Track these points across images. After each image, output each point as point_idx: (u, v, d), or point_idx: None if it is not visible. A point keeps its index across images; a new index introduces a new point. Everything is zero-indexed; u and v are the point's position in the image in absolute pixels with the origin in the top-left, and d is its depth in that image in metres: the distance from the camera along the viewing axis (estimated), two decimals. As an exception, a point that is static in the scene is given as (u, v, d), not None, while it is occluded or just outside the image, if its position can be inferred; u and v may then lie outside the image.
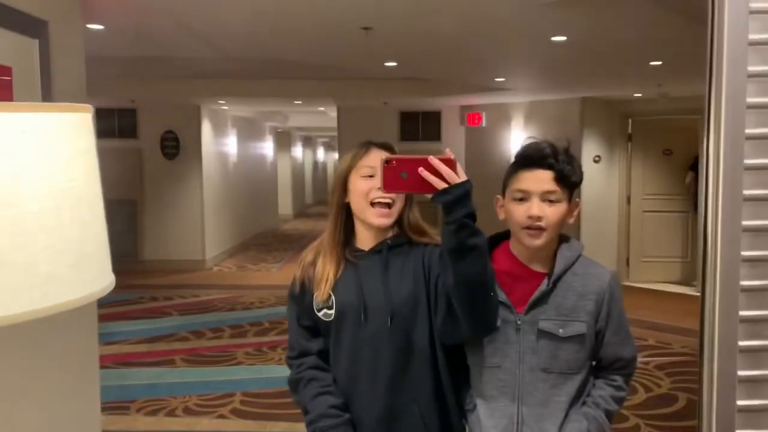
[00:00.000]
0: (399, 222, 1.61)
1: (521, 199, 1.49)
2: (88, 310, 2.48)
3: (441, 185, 1.33)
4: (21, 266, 0.91)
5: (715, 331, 0.73)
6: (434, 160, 1.34)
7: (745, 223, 0.81)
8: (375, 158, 1.55)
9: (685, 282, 7.68)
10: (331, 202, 1.65)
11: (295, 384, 1.66)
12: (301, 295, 1.65)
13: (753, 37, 0.71)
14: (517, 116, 8.70)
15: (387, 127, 9.41)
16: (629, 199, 8.16)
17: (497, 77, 6.59)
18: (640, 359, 5.11)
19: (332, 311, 1.59)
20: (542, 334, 1.48)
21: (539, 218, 1.46)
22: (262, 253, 10.83)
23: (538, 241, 1.48)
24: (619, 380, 1.57)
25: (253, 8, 3.72)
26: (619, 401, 1.56)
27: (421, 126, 9.68)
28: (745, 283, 0.74)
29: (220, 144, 10.41)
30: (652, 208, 8.03)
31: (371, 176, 1.55)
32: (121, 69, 6.23)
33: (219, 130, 10.30)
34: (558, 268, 1.50)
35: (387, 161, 1.38)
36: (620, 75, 6.17)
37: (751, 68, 0.74)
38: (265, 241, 12.34)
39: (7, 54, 2.36)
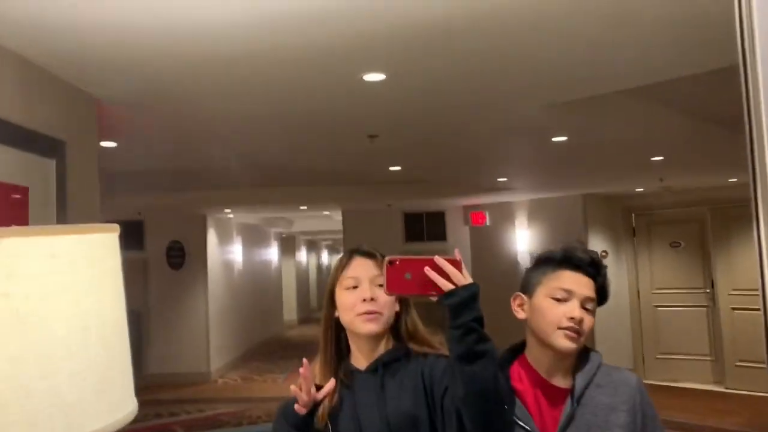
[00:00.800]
0: (396, 332, 1.51)
1: (560, 299, 1.40)
2: None
3: (448, 286, 1.27)
4: (46, 395, 0.87)
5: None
6: (440, 260, 1.28)
7: None
8: (357, 268, 1.50)
9: (705, 380, 7.41)
10: (323, 317, 1.55)
11: None
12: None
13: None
14: (521, 214, 8.78)
15: (392, 228, 9.47)
16: (639, 294, 8.06)
17: (499, 177, 6.71)
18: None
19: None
20: None
21: (581, 321, 1.38)
22: (268, 363, 10.59)
23: (574, 345, 1.38)
24: None
25: (263, 120, 3.83)
26: None
27: (426, 226, 9.74)
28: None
29: (226, 252, 10.44)
30: (664, 302, 7.89)
31: (355, 287, 1.48)
32: (130, 183, 6.35)
33: (224, 238, 10.35)
34: (579, 383, 1.40)
35: (391, 262, 1.32)
36: (621, 171, 6.27)
37: None
38: (271, 349, 12.10)
39: (24, 174, 2.40)
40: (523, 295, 1.48)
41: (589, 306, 1.42)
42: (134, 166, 5.37)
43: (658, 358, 7.84)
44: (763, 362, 6.82)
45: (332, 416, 1.46)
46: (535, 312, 1.43)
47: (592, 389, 1.40)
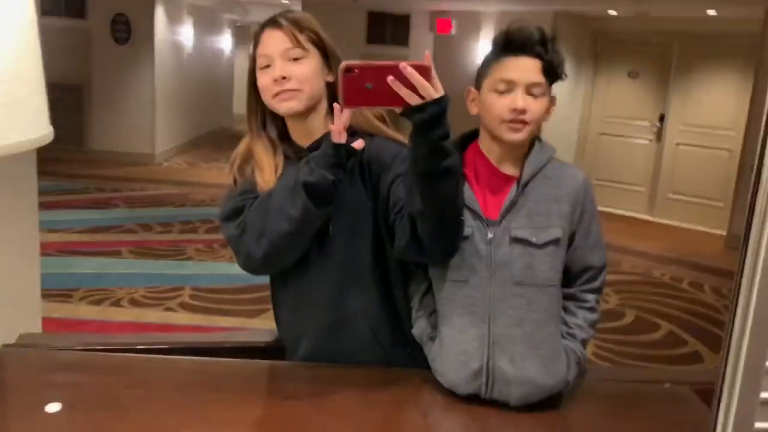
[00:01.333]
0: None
1: (503, 91, 1.33)
2: (27, 179, 2.28)
3: (414, 100, 1.15)
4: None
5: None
6: (407, 68, 1.14)
7: None
8: (267, 43, 1.35)
9: (637, 209, 7.76)
10: (248, 100, 1.44)
11: (234, 214, 1.39)
12: (242, 190, 1.42)
13: None
14: (488, 27, 8.45)
15: (354, 28, 9.03)
16: (589, 120, 8.12)
17: (473, -20, 6.30)
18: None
19: None
20: (516, 242, 1.35)
21: (524, 111, 1.32)
22: (215, 152, 10.50)
23: (520, 135, 1.34)
24: (590, 300, 1.44)
25: None
26: (593, 325, 1.45)
27: (390, 29, 9.32)
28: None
29: (174, 32, 9.82)
30: (612, 131, 7.98)
31: (268, 65, 1.35)
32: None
33: (174, 17, 9.68)
34: (527, 171, 1.38)
35: (348, 69, 1.16)
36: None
37: None
38: (219, 139, 11.95)
39: None
40: (474, 90, 1.41)
41: (536, 91, 1.34)
42: None
43: (595, 183, 8.12)
44: (696, 196, 7.19)
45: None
46: (482, 106, 1.38)
47: (539, 179, 1.39)
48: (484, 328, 1.36)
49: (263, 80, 1.36)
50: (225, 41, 13.71)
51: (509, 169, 1.40)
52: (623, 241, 6.34)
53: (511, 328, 1.36)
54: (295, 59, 1.35)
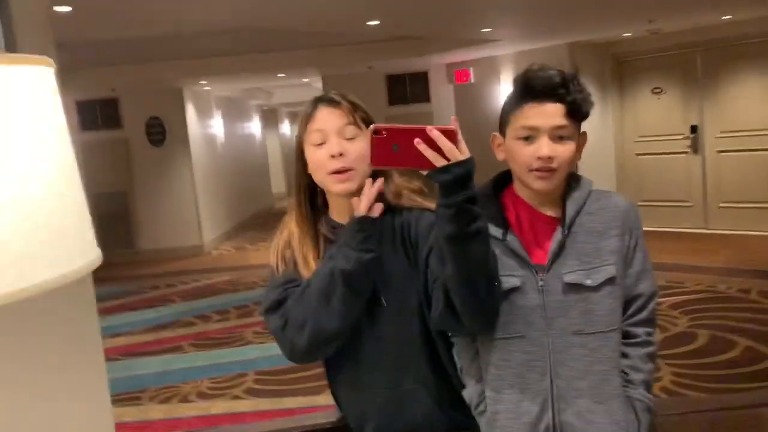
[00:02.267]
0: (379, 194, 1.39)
1: (527, 138, 1.29)
2: (85, 296, 2.36)
3: (440, 162, 1.17)
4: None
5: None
6: (433, 131, 1.17)
7: None
8: (322, 120, 1.36)
9: (690, 225, 7.54)
10: (295, 178, 1.44)
11: (276, 306, 1.39)
12: (285, 280, 1.42)
13: None
14: (506, 69, 8.53)
15: (374, 92, 9.22)
16: (623, 143, 8.02)
17: (483, 28, 6.41)
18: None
19: None
20: (570, 288, 1.29)
21: (550, 159, 1.27)
22: (260, 233, 10.70)
23: (548, 184, 1.30)
24: (641, 334, 1.35)
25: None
26: (651, 359, 1.37)
27: (409, 88, 9.49)
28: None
29: (206, 126, 10.22)
30: (647, 150, 7.86)
31: (323, 142, 1.35)
32: (97, 55, 6.04)
33: (204, 112, 10.10)
34: (569, 211, 1.33)
35: (376, 131, 1.20)
36: (610, 13, 5.98)
37: None
38: (262, 220, 12.21)
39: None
40: (499, 135, 1.38)
41: (563, 133, 1.29)
42: (98, 34, 5.06)
43: (641, 205, 7.95)
44: (747, 202, 6.96)
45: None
46: (509, 153, 1.35)
47: (583, 216, 1.34)
48: (546, 384, 1.30)
49: (317, 156, 1.35)
50: (254, 125, 14.17)
51: (550, 211, 1.36)
52: (682, 258, 6.15)
53: (575, 381, 1.29)
54: (350, 138, 1.35)
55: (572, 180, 1.38)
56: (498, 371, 1.35)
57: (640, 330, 1.36)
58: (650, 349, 1.37)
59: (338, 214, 1.42)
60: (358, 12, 5.05)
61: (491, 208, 1.35)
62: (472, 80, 8.92)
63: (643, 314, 1.36)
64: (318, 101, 1.40)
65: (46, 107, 0.90)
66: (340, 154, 1.32)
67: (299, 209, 1.44)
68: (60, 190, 0.90)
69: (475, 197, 1.20)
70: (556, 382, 1.30)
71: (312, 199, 1.44)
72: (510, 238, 1.33)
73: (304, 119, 1.40)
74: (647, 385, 1.35)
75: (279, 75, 9.45)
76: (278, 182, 16.53)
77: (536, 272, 1.31)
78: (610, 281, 1.31)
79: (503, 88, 8.47)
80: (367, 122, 1.37)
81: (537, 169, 1.29)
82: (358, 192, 1.35)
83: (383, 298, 1.37)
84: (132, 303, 6.75)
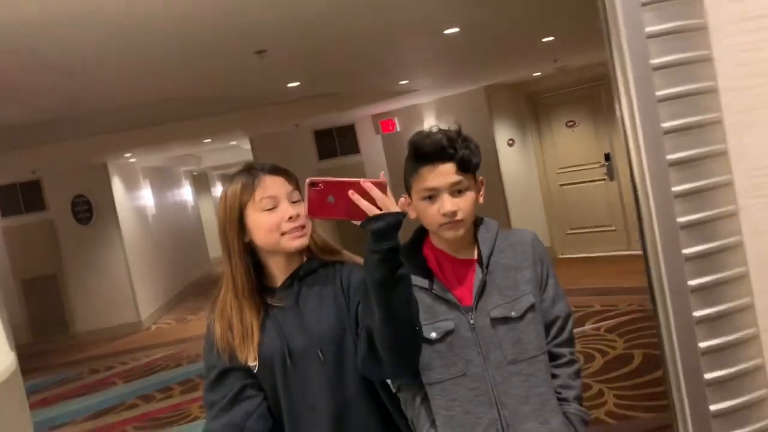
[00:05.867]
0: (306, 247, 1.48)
1: (430, 197, 1.41)
2: (13, 394, 2.27)
3: (373, 211, 1.25)
4: None
5: (662, 273, 0.69)
6: (366, 183, 1.27)
7: (675, 189, 0.76)
8: (272, 187, 1.43)
9: (617, 248, 7.85)
10: (228, 247, 1.46)
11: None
12: (225, 365, 1.47)
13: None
14: (429, 115, 8.79)
15: (303, 148, 9.31)
16: (546, 176, 8.34)
17: (401, 80, 6.63)
18: (590, 326, 5.27)
19: (256, 363, 1.44)
20: (497, 322, 1.40)
21: (454, 213, 1.39)
22: (201, 301, 10.47)
23: (459, 232, 1.41)
24: (566, 354, 1.48)
25: (142, 48, 3.58)
26: (577, 375, 1.48)
27: (338, 141, 9.62)
28: (682, 219, 0.70)
29: (135, 198, 10.04)
30: (568, 180, 8.19)
31: (273, 207, 1.42)
32: (14, 139, 5.90)
33: (131, 185, 9.93)
34: (484, 252, 1.44)
35: (313, 183, 1.29)
36: (516, 57, 6.31)
37: (649, 29, 0.70)
38: (202, 288, 11.95)
39: None
40: (407, 197, 1.47)
41: (460, 187, 1.40)
42: (11, 119, 4.97)
43: (569, 234, 8.24)
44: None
45: (260, 346, 1.44)
46: (418, 212, 1.45)
47: (496, 255, 1.45)
48: (494, 414, 1.38)
49: (270, 220, 1.41)
50: (185, 192, 13.99)
51: (467, 254, 1.47)
52: (613, 281, 6.38)
53: (519, 407, 1.38)
54: (296, 201, 1.44)
55: (479, 223, 1.50)
56: (448, 412, 1.42)
57: (564, 350, 1.48)
58: (576, 366, 1.49)
59: (271, 279, 1.48)
60: (277, 75, 5.15)
61: (416, 261, 1.45)
62: (398, 129, 9.12)
63: (564, 335, 1.48)
64: (259, 171, 1.45)
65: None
66: (297, 215, 1.42)
67: (241, 281, 1.45)
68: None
69: (398, 249, 1.27)
70: (502, 412, 1.39)
71: (251, 264, 1.47)
72: (436, 286, 1.43)
73: (244, 190, 1.43)
74: (579, 399, 1.47)
75: (205, 140, 9.43)
76: (215, 246, 16.22)
77: (465, 312, 1.41)
78: (531, 309, 1.42)
79: (428, 134, 8.71)
80: (297, 186, 1.47)
81: (445, 223, 1.40)
82: (300, 253, 1.47)
83: (320, 352, 1.41)
84: (71, 390, 6.45)
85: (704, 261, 0.69)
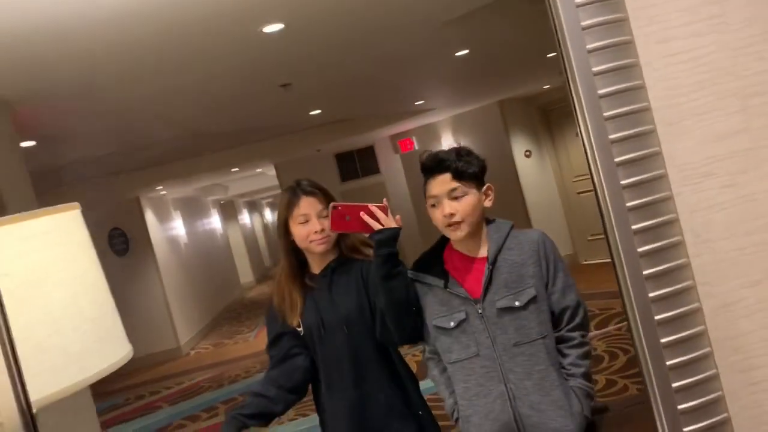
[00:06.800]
0: (341, 247, 1.97)
1: (434, 204, 1.69)
2: (86, 410, 2.55)
3: (377, 226, 1.72)
4: (56, 349, 1.05)
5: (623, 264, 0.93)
6: (372, 207, 1.74)
7: (622, 182, 0.99)
8: (306, 206, 1.90)
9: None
10: (281, 243, 1.98)
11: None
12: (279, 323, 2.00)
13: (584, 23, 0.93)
14: (446, 132, 9.04)
15: (325, 171, 9.60)
16: (564, 184, 8.53)
17: (417, 101, 6.92)
18: (613, 327, 5.43)
19: (301, 329, 1.96)
20: (503, 311, 1.63)
21: (452, 215, 1.66)
22: (235, 326, 10.79)
23: (460, 233, 1.67)
24: (576, 336, 1.67)
25: (171, 90, 3.90)
26: (586, 356, 1.69)
27: (358, 163, 9.91)
28: (629, 204, 0.94)
29: (168, 229, 10.42)
30: (584, 188, 8.35)
31: (306, 221, 1.90)
32: (56, 179, 6.29)
33: (163, 216, 10.32)
34: (491, 250, 1.68)
35: (334, 207, 1.76)
36: (525, 72, 6.55)
37: (595, 68, 0.95)
38: (235, 312, 12.28)
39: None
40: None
41: (457, 194, 1.67)
42: (57, 160, 5.34)
43: (590, 240, 8.40)
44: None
45: (303, 316, 1.94)
46: (431, 218, 1.76)
47: (504, 252, 1.70)
48: (502, 388, 1.64)
49: (304, 231, 1.90)
50: (214, 220, 14.40)
51: (479, 253, 1.72)
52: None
53: (523, 382, 1.63)
54: (324, 217, 1.89)
55: (492, 225, 1.75)
56: (465, 384, 1.70)
57: (575, 334, 1.69)
58: (585, 348, 1.70)
59: (314, 267, 1.98)
60: (299, 105, 5.47)
61: (435, 267, 1.75)
62: (417, 147, 9.38)
63: (576, 320, 1.70)
64: (301, 192, 1.94)
65: (84, 239, 1.18)
66: (322, 229, 1.90)
67: (288, 269, 1.98)
68: (100, 301, 1.18)
69: (397, 254, 1.73)
70: (509, 386, 1.64)
71: (296, 258, 1.98)
72: (450, 283, 1.69)
73: (288, 206, 1.94)
74: (586, 377, 1.68)
75: (233, 170, 9.79)
76: (245, 271, 16.62)
77: (475, 303, 1.67)
78: (533, 300, 1.65)
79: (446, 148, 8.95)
80: (330, 199, 1.93)
81: (448, 224, 1.68)
82: (332, 250, 1.95)
83: (345, 327, 1.90)
84: (119, 416, 6.76)
85: (648, 233, 0.94)
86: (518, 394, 1.63)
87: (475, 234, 1.71)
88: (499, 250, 1.70)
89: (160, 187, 9.42)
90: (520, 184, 8.35)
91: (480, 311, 1.66)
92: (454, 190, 1.68)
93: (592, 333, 5.31)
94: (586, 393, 1.66)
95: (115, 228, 9.23)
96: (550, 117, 8.57)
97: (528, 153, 8.42)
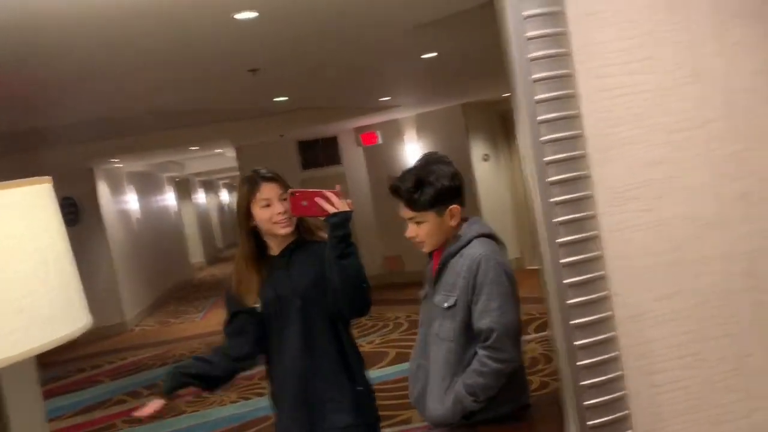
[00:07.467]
0: (298, 229, 2.11)
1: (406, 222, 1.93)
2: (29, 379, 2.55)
3: (331, 210, 1.91)
4: (30, 310, 1.11)
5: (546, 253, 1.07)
6: (326, 192, 1.92)
7: (553, 199, 1.12)
8: (267, 191, 2.04)
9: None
10: (240, 228, 2.10)
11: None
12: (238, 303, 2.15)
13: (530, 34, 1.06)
14: (409, 129, 9.17)
15: (287, 158, 9.60)
16: (520, 189, 8.75)
17: (382, 97, 7.01)
18: (551, 331, 5.62)
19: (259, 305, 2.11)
20: (434, 306, 1.89)
21: (413, 237, 1.90)
22: (182, 305, 10.73)
23: (425, 248, 1.93)
24: (481, 355, 1.78)
25: (136, 66, 3.90)
26: (481, 374, 1.77)
27: (321, 152, 9.94)
28: (557, 219, 1.07)
29: (120, 202, 10.28)
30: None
31: (268, 205, 2.04)
32: (13, 144, 6.17)
33: (116, 189, 10.17)
34: (444, 254, 1.88)
35: (292, 193, 1.94)
36: (488, 79, 6.70)
37: (537, 97, 1.07)
38: (183, 292, 12.20)
39: None
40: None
41: (416, 220, 1.88)
42: (20, 126, 5.25)
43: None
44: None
45: (261, 293, 2.09)
46: None
47: (456, 258, 1.87)
48: (420, 362, 1.94)
49: (266, 214, 2.04)
50: (169, 197, 14.21)
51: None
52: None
53: (433, 365, 1.89)
54: (284, 200, 2.03)
55: (465, 226, 1.92)
56: (416, 345, 2.01)
57: (481, 352, 1.80)
58: (485, 368, 1.78)
59: (272, 250, 2.13)
60: (266, 91, 5.50)
61: (428, 272, 1.98)
62: (380, 141, 9.48)
63: (487, 342, 1.79)
64: (261, 179, 2.07)
65: (53, 212, 1.25)
66: (285, 211, 2.03)
67: (248, 253, 2.11)
68: (67, 271, 1.25)
69: (350, 235, 1.93)
70: (423, 363, 1.93)
71: (256, 242, 2.12)
72: (429, 274, 1.97)
73: (250, 190, 2.07)
74: (469, 387, 1.80)
75: (191, 148, 9.71)
76: (196, 252, 16.44)
77: (430, 287, 1.95)
78: (452, 307, 1.85)
79: (408, 148, 9.11)
80: (287, 186, 2.09)
81: (415, 244, 1.92)
82: (291, 233, 2.09)
83: (301, 299, 2.06)
84: (59, 387, 6.69)
85: (572, 247, 1.07)
86: (431, 371, 1.88)
87: (436, 248, 1.93)
88: (451, 255, 1.88)
89: (117, 160, 9.28)
90: (476, 186, 8.54)
91: (428, 295, 1.94)
92: (411, 218, 1.89)
93: (530, 336, 5.51)
94: (458, 400, 1.82)
95: (66, 197, 9.05)
96: (509, 124, 8.77)
97: (486, 157, 8.62)
